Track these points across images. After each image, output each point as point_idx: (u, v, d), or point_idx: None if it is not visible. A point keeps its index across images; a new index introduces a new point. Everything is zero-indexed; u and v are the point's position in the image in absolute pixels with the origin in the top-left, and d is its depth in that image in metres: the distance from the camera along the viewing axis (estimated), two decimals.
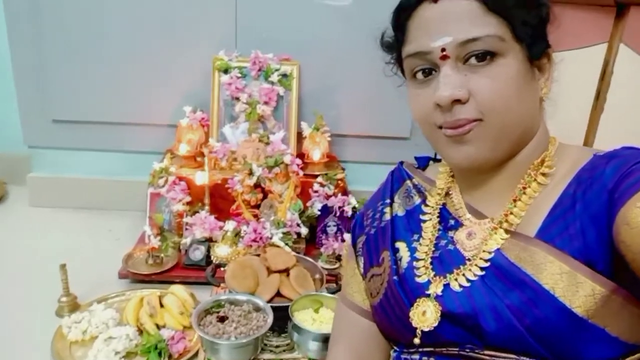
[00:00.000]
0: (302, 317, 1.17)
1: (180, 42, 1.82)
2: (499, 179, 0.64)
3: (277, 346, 1.19)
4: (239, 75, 1.75)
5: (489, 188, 0.65)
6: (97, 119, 1.91)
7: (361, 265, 0.78)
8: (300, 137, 1.82)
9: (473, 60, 0.57)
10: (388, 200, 0.76)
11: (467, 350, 0.59)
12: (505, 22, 0.57)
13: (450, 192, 0.71)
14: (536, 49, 0.60)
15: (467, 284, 0.61)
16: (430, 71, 0.60)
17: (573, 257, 0.55)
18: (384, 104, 1.94)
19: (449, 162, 0.65)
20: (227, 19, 1.81)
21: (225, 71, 1.75)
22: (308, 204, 1.67)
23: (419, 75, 0.61)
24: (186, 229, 1.57)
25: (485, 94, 0.56)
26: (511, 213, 0.62)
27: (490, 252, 0.61)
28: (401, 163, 0.81)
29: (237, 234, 1.54)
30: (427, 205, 0.71)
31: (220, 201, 1.63)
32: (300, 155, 1.78)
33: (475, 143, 0.58)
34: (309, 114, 1.84)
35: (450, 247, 0.66)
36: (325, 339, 1.11)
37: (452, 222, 0.68)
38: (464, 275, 0.62)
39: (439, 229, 0.68)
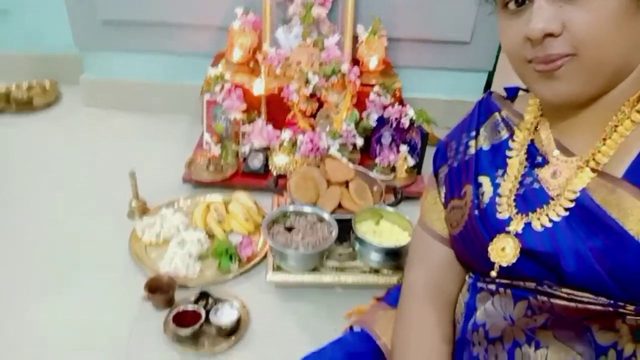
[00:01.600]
0: (364, 229, 1.22)
1: None
2: (591, 115, 0.61)
3: (340, 254, 1.25)
4: None
5: (580, 124, 0.62)
6: (147, 19, 1.86)
7: (442, 195, 0.77)
8: (355, 41, 1.74)
9: None
10: (474, 133, 0.73)
11: (545, 286, 0.60)
12: None
13: (538, 127, 0.68)
14: None
15: (549, 224, 0.60)
16: (523, 0, 0.56)
17: None
18: (443, 5, 1.83)
19: (539, 98, 0.63)
20: None
21: None
22: (364, 114, 1.65)
23: (511, 5, 0.57)
24: (244, 137, 1.59)
25: (581, 27, 0.52)
26: (599, 151, 0.59)
27: (575, 192, 0.59)
28: (490, 93, 0.77)
29: (294, 144, 1.55)
30: (514, 141, 0.69)
31: (276, 110, 1.63)
32: (356, 61, 1.72)
33: (567, 79, 0.55)
34: (365, 16, 1.75)
35: (536, 185, 0.64)
36: (386, 252, 1.16)
37: (539, 159, 0.65)
38: (547, 215, 0.60)
39: (525, 166, 0.66)
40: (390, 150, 1.64)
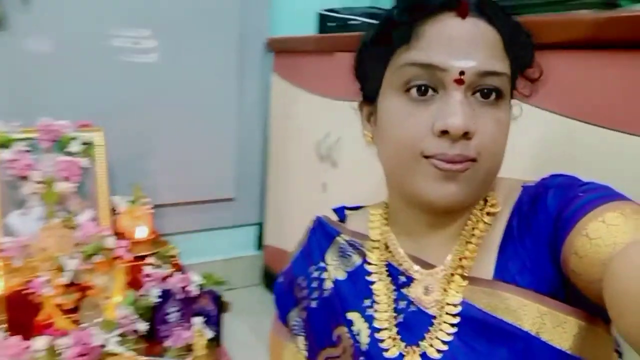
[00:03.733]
0: None
1: None
2: (446, 222, 0.59)
3: None
4: (26, 149, 1.40)
5: (431, 232, 0.60)
6: None
7: (302, 345, 0.67)
8: (114, 214, 1.53)
9: (478, 95, 0.52)
10: (322, 264, 0.66)
11: None
12: (509, 64, 0.53)
13: (388, 243, 0.63)
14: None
15: (445, 347, 0.54)
16: (426, 90, 0.52)
17: (543, 294, 0.52)
18: (203, 164, 1.81)
19: (424, 198, 0.54)
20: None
21: (5, 146, 1.38)
22: (141, 292, 1.39)
23: (414, 92, 0.52)
24: None
25: (487, 136, 0.52)
26: (464, 257, 0.57)
27: (456, 305, 0.55)
28: (319, 218, 0.71)
29: (54, 353, 1.18)
30: (370, 264, 0.63)
31: (21, 313, 1.24)
32: (119, 234, 1.50)
33: (464, 183, 0.52)
34: (122, 187, 1.58)
35: (413, 307, 0.58)
36: None
37: (402, 278, 0.60)
38: (437, 337, 0.55)
39: (393, 290, 0.60)
40: (181, 327, 1.40)
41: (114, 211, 1.54)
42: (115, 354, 1.19)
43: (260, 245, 2.05)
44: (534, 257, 0.54)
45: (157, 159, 1.73)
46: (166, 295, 1.42)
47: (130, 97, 1.64)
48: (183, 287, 1.41)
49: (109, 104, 1.60)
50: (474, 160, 0.52)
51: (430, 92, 0.52)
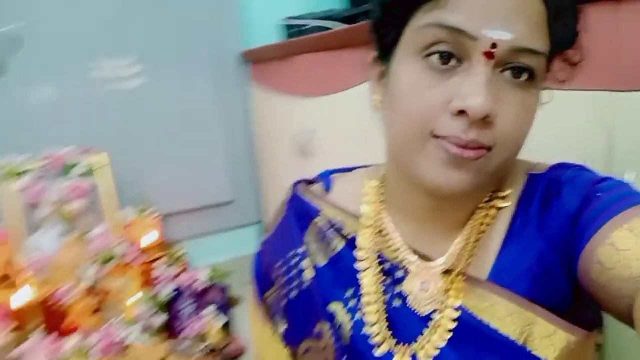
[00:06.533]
0: None
1: None
2: (451, 210, 0.53)
3: None
4: (37, 177, 1.56)
5: (435, 219, 0.54)
6: None
7: (281, 329, 0.62)
8: (126, 226, 1.69)
9: (508, 74, 0.45)
10: (301, 249, 0.59)
11: None
12: (549, 42, 0.45)
13: (382, 226, 0.56)
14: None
15: (437, 352, 0.51)
16: (449, 59, 0.45)
17: (539, 303, 0.49)
18: (199, 174, 1.96)
19: (428, 182, 0.48)
20: (4, 119, 1.63)
21: (16, 177, 1.55)
22: (155, 291, 1.55)
23: (435, 59, 0.45)
24: None
25: (509, 122, 0.45)
26: (466, 252, 0.52)
27: (457, 310, 0.51)
28: (296, 187, 0.63)
29: (85, 349, 1.33)
30: (361, 249, 0.56)
31: (53, 318, 1.40)
32: (132, 243, 1.65)
33: (474, 172, 0.46)
34: (130, 200, 1.74)
35: (404, 303, 0.53)
36: None
37: (396, 270, 0.54)
38: (429, 342, 0.51)
39: (382, 281, 0.55)
40: (195, 319, 1.55)
41: (125, 223, 1.70)
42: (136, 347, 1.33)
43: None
44: (540, 261, 0.50)
45: (158, 172, 1.87)
46: (178, 291, 1.57)
47: (127, 120, 1.80)
48: (193, 283, 1.56)
49: (109, 129, 1.76)
50: (489, 148, 0.45)
51: (453, 61, 0.45)
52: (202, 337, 1.52)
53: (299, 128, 1.60)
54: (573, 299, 0.50)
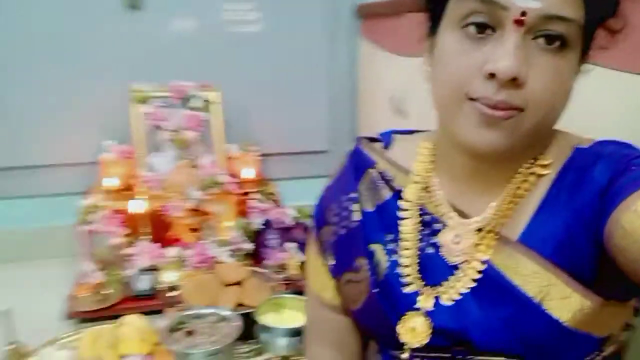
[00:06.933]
0: (267, 321, 1.22)
1: (89, 76, 1.82)
2: (491, 172, 0.57)
3: (247, 352, 1.22)
4: (161, 104, 1.77)
5: (475, 180, 0.58)
6: (7, 164, 1.81)
7: (330, 263, 0.69)
8: (229, 159, 1.87)
9: (542, 41, 0.48)
10: (354, 195, 0.66)
11: (459, 357, 0.57)
12: (585, 11, 0.48)
13: (428, 183, 0.61)
14: (587, 52, 0.52)
15: (459, 297, 0.56)
16: (484, 29, 0.49)
17: (561, 267, 0.52)
18: (300, 121, 2.07)
19: (464, 142, 0.52)
20: (138, 49, 1.85)
21: (143, 102, 1.77)
22: (247, 220, 1.72)
23: (471, 29, 0.49)
24: (128, 260, 1.54)
25: (541, 85, 0.48)
26: (500, 213, 0.56)
27: (483, 263, 0.55)
28: (359, 141, 0.70)
29: (181, 260, 1.54)
30: (406, 200, 0.62)
31: (159, 228, 1.62)
32: (233, 175, 1.83)
33: (507, 132, 0.50)
34: (236, 136, 1.91)
35: (436, 251, 0.59)
36: (292, 334, 1.17)
37: (435, 223, 0.60)
38: (453, 287, 0.56)
39: (420, 230, 0.60)
40: (278, 250, 1.71)
41: (229, 156, 1.88)
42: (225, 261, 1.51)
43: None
44: (565, 230, 0.53)
45: (263, 115, 2.01)
46: (267, 224, 1.73)
47: (242, 63, 1.95)
48: (280, 219, 1.71)
49: (225, 69, 1.91)
50: (520, 109, 0.49)
51: (488, 30, 0.48)
52: (282, 267, 1.67)
53: (396, 87, 1.63)
54: (598, 270, 0.52)
